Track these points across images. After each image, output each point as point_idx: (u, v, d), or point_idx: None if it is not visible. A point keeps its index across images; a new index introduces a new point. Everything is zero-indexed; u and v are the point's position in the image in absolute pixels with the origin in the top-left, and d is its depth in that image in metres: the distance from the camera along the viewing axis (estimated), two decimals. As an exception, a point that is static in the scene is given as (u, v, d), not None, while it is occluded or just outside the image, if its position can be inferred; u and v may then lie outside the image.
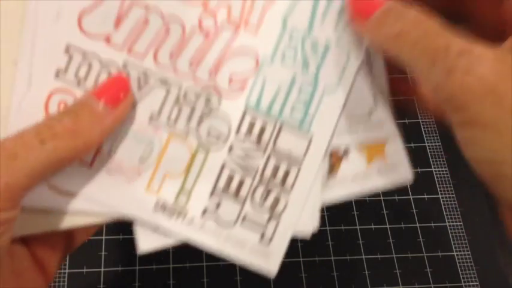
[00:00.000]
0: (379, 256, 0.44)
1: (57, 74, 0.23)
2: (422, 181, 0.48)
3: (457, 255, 0.45)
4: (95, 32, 0.23)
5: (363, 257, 0.44)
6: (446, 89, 0.19)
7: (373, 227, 0.45)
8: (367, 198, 0.46)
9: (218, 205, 0.24)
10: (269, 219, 0.24)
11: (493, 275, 0.44)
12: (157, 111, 0.23)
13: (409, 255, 0.45)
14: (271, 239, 0.24)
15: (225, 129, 0.24)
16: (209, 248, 0.23)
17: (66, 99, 0.23)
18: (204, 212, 0.24)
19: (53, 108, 0.23)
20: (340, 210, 0.46)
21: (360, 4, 0.23)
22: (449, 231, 0.46)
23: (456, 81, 0.19)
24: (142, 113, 0.23)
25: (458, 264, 0.45)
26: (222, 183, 0.24)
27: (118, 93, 0.21)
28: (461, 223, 0.46)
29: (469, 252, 0.45)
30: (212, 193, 0.24)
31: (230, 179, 0.24)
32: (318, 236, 0.25)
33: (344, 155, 0.25)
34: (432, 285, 0.44)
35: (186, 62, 0.23)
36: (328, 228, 0.45)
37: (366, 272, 0.43)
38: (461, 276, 0.44)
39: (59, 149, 0.19)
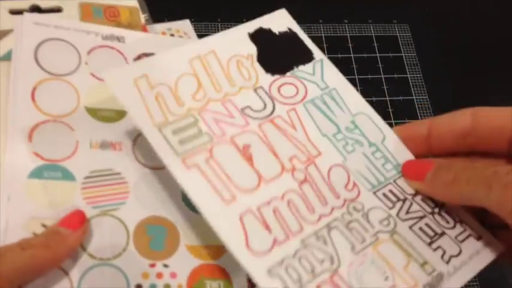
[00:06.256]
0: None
1: None
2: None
3: (458, 256, 0.45)
4: None
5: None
6: (507, 203, 0.23)
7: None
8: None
9: None
10: None
11: (493, 275, 0.45)
12: (355, 242, 0.27)
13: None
14: None
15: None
16: None
17: None
18: None
19: None
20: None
21: (413, 169, 0.30)
22: (450, 232, 0.46)
23: None
24: (345, 247, 0.27)
25: (458, 265, 0.45)
26: None
27: (77, 221, 0.28)
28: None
29: (470, 253, 0.45)
30: None
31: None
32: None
33: None
34: (433, 286, 0.44)
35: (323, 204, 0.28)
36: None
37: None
38: (461, 277, 0.44)
39: (35, 256, 0.25)
